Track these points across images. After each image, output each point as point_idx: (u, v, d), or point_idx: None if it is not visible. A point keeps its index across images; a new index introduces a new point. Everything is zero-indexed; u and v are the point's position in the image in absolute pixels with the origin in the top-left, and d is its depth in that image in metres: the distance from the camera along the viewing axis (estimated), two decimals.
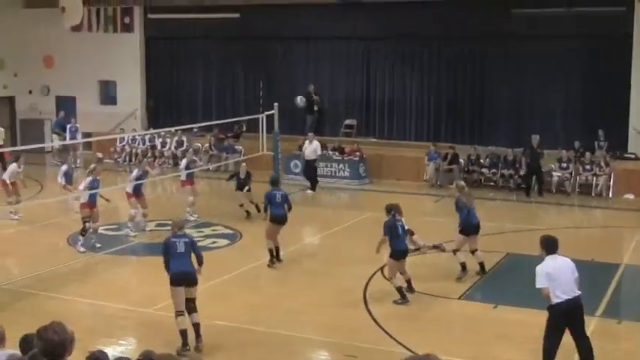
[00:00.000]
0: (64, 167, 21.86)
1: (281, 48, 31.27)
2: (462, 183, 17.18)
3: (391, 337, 12.87)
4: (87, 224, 18.17)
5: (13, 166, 21.67)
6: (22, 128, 35.29)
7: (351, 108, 30.50)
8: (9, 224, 20.90)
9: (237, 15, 31.22)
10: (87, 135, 30.70)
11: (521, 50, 27.71)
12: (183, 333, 12.16)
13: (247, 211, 21.27)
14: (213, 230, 20.12)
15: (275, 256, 17.07)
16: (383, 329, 13.23)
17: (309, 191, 25.53)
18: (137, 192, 19.91)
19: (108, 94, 34.55)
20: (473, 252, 16.13)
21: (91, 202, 18.25)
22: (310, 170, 25.85)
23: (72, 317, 10.82)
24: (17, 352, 8.30)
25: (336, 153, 27.78)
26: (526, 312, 13.70)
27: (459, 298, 15.04)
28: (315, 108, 29.53)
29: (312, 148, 25.68)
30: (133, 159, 31.31)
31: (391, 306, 14.50)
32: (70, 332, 6.28)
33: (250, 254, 17.39)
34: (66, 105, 33.78)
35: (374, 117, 30.43)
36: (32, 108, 35.30)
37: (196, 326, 12.35)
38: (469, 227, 16.10)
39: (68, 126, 31.05)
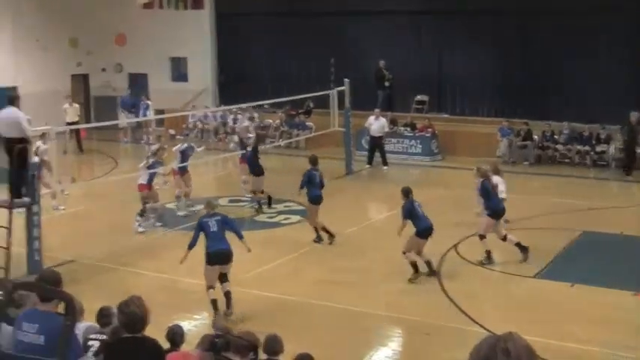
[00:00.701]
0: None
1: (352, 23, 30.99)
2: (485, 168, 16.55)
3: (466, 314, 12.74)
4: (146, 205, 18.19)
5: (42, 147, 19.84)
6: (95, 105, 35.80)
7: (423, 83, 30.14)
8: (81, 201, 21.19)
9: None
10: (159, 112, 30.94)
11: (597, 24, 26.95)
12: (214, 302, 12.80)
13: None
14: (285, 207, 20.13)
15: (328, 233, 16.95)
16: (457, 306, 13.10)
17: (384, 167, 25.35)
18: (182, 170, 19.61)
19: (179, 70, 34.78)
20: (504, 239, 15.65)
21: (149, 183, 18.30)
22: (377, 147, 25.57)
23: (147, 291, 10.89)
24: (95, 324, 8.42)
25: (408, 129, 27.54)
26: (603, 291, 13.43)
27: (534, 276, 14.79)
28: (387, 84, 29.27)
29: (379, 124, 25.45)
30: (205, 135, 31.53)
31: (465, 283, 14.37)
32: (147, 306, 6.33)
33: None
34: (138, 82, 34.14)
35: (446, 93, 30.06)
36: (105, 85, 35.75)
37: (227, 294, 12.93)
38: (499, 211, 15.67)
39: (140, 103, 31.34)
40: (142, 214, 18.17)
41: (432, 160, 26.79)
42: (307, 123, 29.79)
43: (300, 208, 18.87)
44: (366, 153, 26.13)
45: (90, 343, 7.65)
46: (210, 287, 12.92)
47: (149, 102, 31.17)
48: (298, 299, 13.69)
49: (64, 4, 33.27)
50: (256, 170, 19.82)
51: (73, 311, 4.65)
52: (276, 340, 8.05)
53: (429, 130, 27.19)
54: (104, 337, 8.10)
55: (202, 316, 12.97)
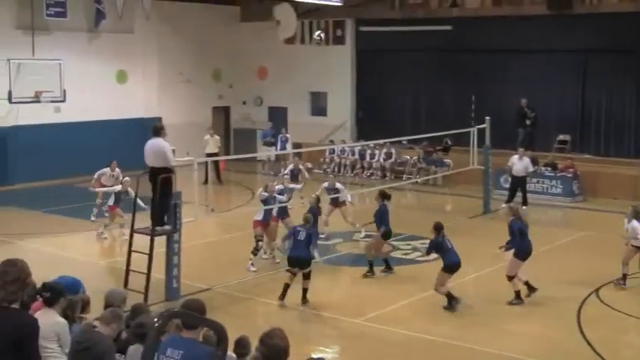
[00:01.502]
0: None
1: (493, 60, 30.63)
2: (517, 206, 16.64)
3: None
4: (259, 243, 17.65)
5: (104, 170, 22.09)
6: (235, 137, 36.55)
7: (566, 123, 29.43)
8: (217, 231, 21.53)
9: (449, 27, 30.86)
10: (297, 145, 31.29)
11: None
12: (286, 287, 15.03)
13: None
14: (421, 244, 19.89)
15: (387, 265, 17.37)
16: (600, 355, 12.56)
17: (524, 207, 24.75)
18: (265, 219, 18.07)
19: (318, 105, 35.13)
20: (526, 283, 15.51)
21: (265, 220, 17.79)
22: (520, 186, 24.97)
23: (281, 323, 10.87)
24: (232, 354, 8.45)
25: (549, 169, 26.88)
26: None
27: None
28: (528, 122, 28.73)
29: (522, 164, 24.84)
30: (342, 170, 31.71)
31: (608, 330, 13.79)
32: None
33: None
34: (277, 115, 34.66)
35: (589, 132, 29.22)
36: (245, 118, 36.47)
37: (304, 291, 15.11)
38: (526, 252, 15.38)
39: (279, 136, 31.79)
40: (254, 252, 17.61)
41: (572, 201, 26.01)
42: (445, 160, 29.53)
43: None
44: (503, 192, 25.58)
45: None
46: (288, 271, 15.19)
47: (288, 135, 31.57)
48: (434, 338, 13.44)
49: (208, 37, 34.24)
50: None
51: (225, 341, 4.63)
52: None
53: (571, 170, 26.46)
54: None
55: (334, 350, 12.89)
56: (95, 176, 22.07)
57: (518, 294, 15.25)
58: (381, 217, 17.07)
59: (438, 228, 15.30)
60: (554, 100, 29.52)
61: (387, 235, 17.24)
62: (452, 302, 14.86)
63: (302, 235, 15.08)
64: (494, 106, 29.10)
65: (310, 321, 14.50)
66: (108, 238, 20.82)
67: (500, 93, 30.30)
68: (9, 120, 28.28)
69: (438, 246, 15.21)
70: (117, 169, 22.13)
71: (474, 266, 17.11)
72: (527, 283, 15.51)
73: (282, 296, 15.01)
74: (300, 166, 23.21)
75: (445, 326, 14.06)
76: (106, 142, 29.69)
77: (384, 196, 17.41)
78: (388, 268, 17.31)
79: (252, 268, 17.60)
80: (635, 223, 16.13)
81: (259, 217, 17.79)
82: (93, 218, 22.14)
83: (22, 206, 25.29)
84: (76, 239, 21.44)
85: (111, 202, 20.50)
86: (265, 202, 17.88)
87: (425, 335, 13.52)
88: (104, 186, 21.75)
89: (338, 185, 20.33)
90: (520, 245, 15.35)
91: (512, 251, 15.50)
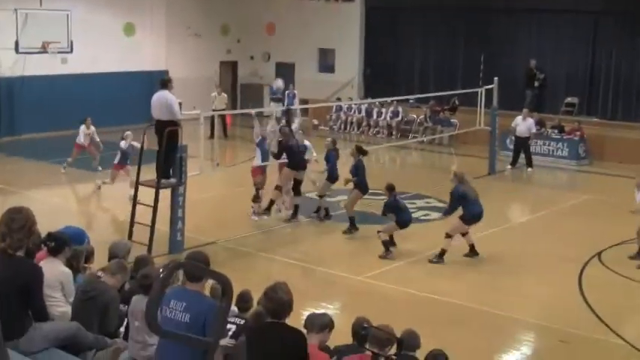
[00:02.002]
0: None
1: (503, 21, 30.42)
2: (461, 171, 16.15)
3: (608, 327, 12.25)
4: (260, 191, 17.81)
5: (80, 128, 22.10)
6: (242, 93, 36.44)
7: (574, 85, 29.29)
8: (221, 185, 21.56)
9: None
10: (304, 101, 31.22)
11: None
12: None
13: None
14: (426, 203, 19.94)
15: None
16: (599, 317, 12.61)
17: (529, 169, 24.72)
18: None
19: (326, 61, 34.98)
20: (464, 234, 15.52)
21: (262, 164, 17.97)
22: (523, 148, 24.90)
23: (284, 278, 10.95)
24: (234, 308, 8.51)
25: (555, 131, 26.79)
26: None
27: None
28: (536, 84, 28.60)
29: (526, 125, 24.74)
30: (348, 127, 31.67)
31: (608, 294, 13.82)
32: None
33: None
34: (285, 71, 34.52)
35: (597, 95, 29.08)
36: (253, 73, 36.35)
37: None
38: (475, 217, 15.28)
39: (286, 92, 31.69)
40: (255, 200, 17.81)
41: (578, 164, 25.95)
42: (452, 120, 29.45)
43: (441, 205, 18.60)
44: (509, 153, 25.54)
45: (227, 326, 7.74)
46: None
47: (296, 91, 31.47)
48: (435, 297, 13.51)
49: None
50: None
51: (230, 293, 4.66)
52: (415, 335, 7.93)
53: (578, 133, 26.37)
54: (242, 321, 8.19)
55: (335, 306, 12.96)
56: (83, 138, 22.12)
57: (442, 253, 15.24)
58: (357, 172, 16.95)
59: (390, 188, 15.64)
60: (563, 62, 29.36)
61: (363, 190, 17.11)
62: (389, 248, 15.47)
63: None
64: (504, 67, 28.98)
65: (312, 277, 14.56)
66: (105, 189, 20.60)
67: (509, 54, 30.12)
68: (16, 70, 28.20)
69: (392, 206, 15.55)
70: (92, 127, 22.18)
71: (477, 227, 17.11)
72: (471, 246, 15.53)
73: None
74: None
75: (448, 285, 14.12)
76: (113, 94, 29.68)
77: (360, 151, 17.29)
78: (353, 227, 17.14)
79: (255, 217, 17.77)
80: None
81: (257, 163, 17.90)
82: (62, 170, 22.16)
83: (28, 157, 25.34)
84: (81, 190, 21.55)
85: (116, 160, 19.87)
86: (260, 146, 17.92)
87: (428, 294, 13.57)
88: (78, 144, 21.95)
89: (306, 142, 20.08)
90: (467, 210, 15.20)
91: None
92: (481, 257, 15.64)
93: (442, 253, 15.23)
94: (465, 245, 15.56)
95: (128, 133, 19.80)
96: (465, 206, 15.20)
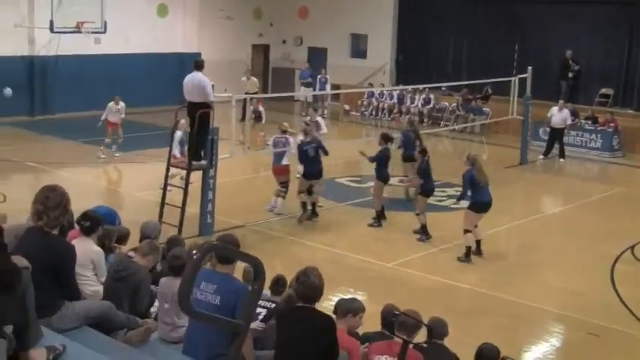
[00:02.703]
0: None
1: (539, 10, 30.11)
2: (475, 155, 15.49)
3: (637, 318, 12.15)
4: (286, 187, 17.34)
5: (109, 105, 22.14)
6: (274, 76, 36.44)
7: (609, 76, 28.98)
8: (251, 169, 21.58)
9: None
10: (335, 87, 31.15)
11: None
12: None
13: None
14: (456, 191, 19.77)
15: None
16: (631, 311, 12.50)
17: (561, 160, 24.53)
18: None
19: (358, 47, 34.87)
20: (477, 242, 14.87)
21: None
22: (557, 139, 24.70)
23: (313, 263, 10.95)
24: (266, 291, 8.52)
25: (589, 122, 26.54)
26: None
27: None
28: (570, 75, 28.33)
29: (561, 115, 24.53)
30: (379, 113, 31.58)
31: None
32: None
33: (491, 217, 15.97)
34: (317, 56, 34.46)
35: (633, 87, 28.75)
36: (285, 57, 36.32)
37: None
38: (480, 205, 14.63)
39: (318, 77, 31.63)
40: (281, 194, 17.39)
41: (611, 156, 25.66)
42: (484, 108, 29.26)
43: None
44: (541, 143, 25.34)
45: (258, 310, 7.74)
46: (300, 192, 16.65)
47: (327, 76, 31.39)
48: (463, 285, 13.47)
49: None
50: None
51: (262, 276, 4.65)
52: (443, 323, 7.91)
53: (612, 125, 26.07)
54: (272, 305, 8.19)
55: (364, 293, 12.94)
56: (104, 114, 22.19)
57: (468, 251, 14.63)
58: (379, 161, 16.69)
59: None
60: (599, 52, 29.09)
61: (384, 180, 16.88)
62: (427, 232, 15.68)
63: (312, 151, 16.40)
64: (538, 56, 28.76)
65: (341, 263, 14.54)
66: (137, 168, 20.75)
67: (544, 43, 29.87)
68: (50, 49, 28.37)
69: (425, 171, 15.79)
70: (121, 103, 22.21)
71: (508, 216, 17.05)
72: (478, 242, 14.89)
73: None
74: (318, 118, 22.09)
75: (478, 275, 14.07)
76: (144, 75, 29.77)
77: (385, 138, 16.98)
78: (382, 217, 16.90)
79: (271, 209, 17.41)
80: None
81: (286, 161, 17.42)
82: (102, 155, 21.98)
83: (61, 136, 25.49)
84: (112, 170, 21.66)
85: (176, 152, 17.30)
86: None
87: (458, 283, 13.54)
88: (111, 122, 21.96)
89: (319, 119, 19.62)
90: (474, 197, 14.72)
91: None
92: (510, 247, 15.56)
93: (467, 251, 14.66)
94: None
95: (182, 121, 17.54)
96: (473, 192, 14.70)
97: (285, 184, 17.29)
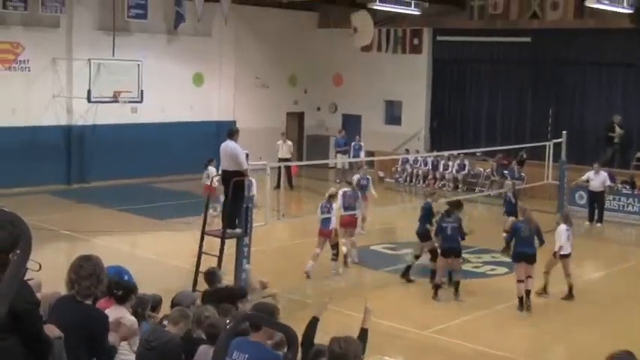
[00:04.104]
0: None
1: (573, 74, 30.10)
2: (526, 207, 16.89)
3: None
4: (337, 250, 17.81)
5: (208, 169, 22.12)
6: (308, 143, 36.59)
7: None
8: (287, 236, 21.54)
9: (528, 39, 30.51)
10: (370, 154, 31.20)
11: None
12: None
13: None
14: (492, 257, 19.65)
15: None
16: None
17: (598, 224, 24.24)
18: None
19: (393, 113, 35.00)
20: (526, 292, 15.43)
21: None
22: (596, 202, 24.43)
23: (347, 331, 10.82)
24: None
25: (627, 187, 26.27)
26: None
27: None
28: (616, 140, 28.14)
29: (600, 179, 24.33)
30: (414, 179, 31.52)
31: None
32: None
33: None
34: (351, 123, 34.62)
35: None
36: (319, 124, 36.52)
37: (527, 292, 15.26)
38: (517, 256, 15.53)
39: (352, 144, 31.73)
40: (334, 258, 17.99)
41: None
42: (521, 174, 29.06)
43: (507, 260, 18.30)
44: (578, 209, 25.04)
45: None
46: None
47: (362, 143, 31.50)
48: (503, 354, 13.23)
49: (285, 43, 34.38)
50: None
51: (296, 346, 4.60)
52: None
53: None
54: None
55: None
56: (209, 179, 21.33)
57: (542, 291, 15.97)
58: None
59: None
60: (635, 115, 28.91)
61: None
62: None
63: (449, 229, 15.96)
64: (572, 120, 28.73)
65: (377, 331, 14.32)
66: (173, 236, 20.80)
67: (579, 107, 29.84)
68: (87, 119, 28.78)
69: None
70: (210, 168, 22.20)
71: (550, 283, 16.82)
72: (527, 292, 15.39)
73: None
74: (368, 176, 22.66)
75: (515, 342, 13.87)
76: (181, 143, 30.03)
77: (458, 205, 17.21)
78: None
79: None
80: None
81: (333, 225, 17.82)
82: (215, 213, 20.32)
83: (97, 204, 25.68)
84: (148, 238, 21.71)
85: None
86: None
87: (494, 350, 13.31)
88: (206, 186, 20.60)
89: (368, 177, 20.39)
90: (514, 247, 15.69)
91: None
92: (550, 310, 15.33)
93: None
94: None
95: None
96: (515, 243, 15.54)
97: (334, 247, 17.72)
